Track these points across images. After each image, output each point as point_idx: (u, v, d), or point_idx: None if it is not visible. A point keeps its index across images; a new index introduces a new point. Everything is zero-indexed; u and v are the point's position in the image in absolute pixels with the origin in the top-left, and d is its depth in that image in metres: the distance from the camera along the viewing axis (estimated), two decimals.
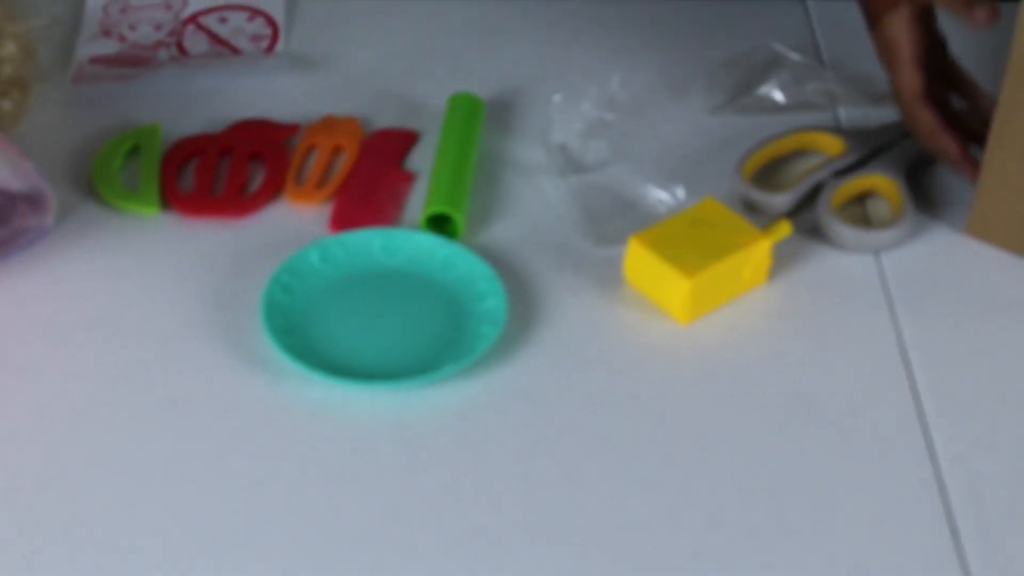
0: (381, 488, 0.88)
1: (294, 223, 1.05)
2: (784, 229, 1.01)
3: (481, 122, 1.12)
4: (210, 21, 1.22)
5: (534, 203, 1.07)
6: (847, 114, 1.15)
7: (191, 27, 1.21)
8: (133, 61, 1.17)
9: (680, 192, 1.06)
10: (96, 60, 1.17)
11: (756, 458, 0.91)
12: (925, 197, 1.08)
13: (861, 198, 1.08)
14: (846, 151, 1.08)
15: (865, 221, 1.06)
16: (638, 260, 0.99)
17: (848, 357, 0.97)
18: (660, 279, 0.98)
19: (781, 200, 1.05)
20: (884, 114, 1.14)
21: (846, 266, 1.03)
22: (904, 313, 1.00)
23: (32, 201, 1.03)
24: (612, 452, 0.91)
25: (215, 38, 1.21)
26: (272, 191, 1.07)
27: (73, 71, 1.16)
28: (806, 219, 1.06)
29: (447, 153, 1.08)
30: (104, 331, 0.97)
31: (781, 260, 1.02)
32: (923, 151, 1.08)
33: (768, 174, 1.09)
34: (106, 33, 1.20)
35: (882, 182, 1.07)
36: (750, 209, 1.06)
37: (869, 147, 1.09)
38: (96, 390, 0.93)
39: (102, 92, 1.15)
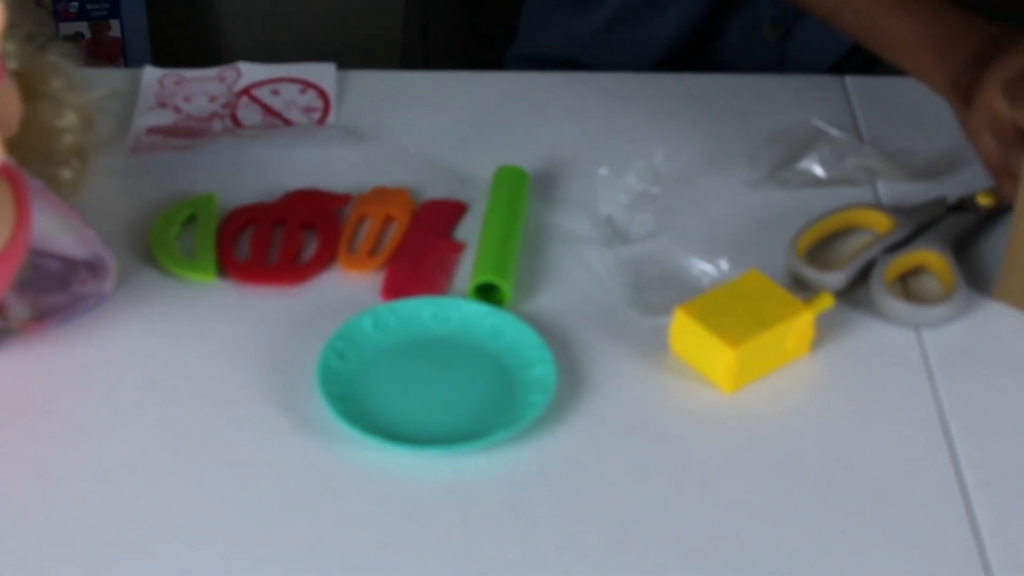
0: (433, 551, 0.90)
1: (346, 291, 1.08)
2: (825, 301, 1.04)
3: (527, 194, 1.15)
4: (263, 93, 1.26)
5: (580, 273, 1.10)
6: (886, 189, 1.18)
7: (244, 99, 1.25)
8: (189, 132, 1.21)
9: (724, 264, 1.09)
10: (153, 131, 1.21)
11: (800, 526, 0.92)
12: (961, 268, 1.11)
13: (909, 274, 1.10)
14: (894, 228, 1.11)
15: (915, 296, 1.08)
16: (684, 330, 1.02)
17: (889, 427, 0.99)
18: (705, 349, 1.01)
19: (835, 278, 1.08)
20: (924, 189, 1.16)
21: (886, 336, 1.05)
22: (944, 383, 1.02)
23: (93, 268, 1.06)
24: (658, 520, 0.93)
25: (268, 110, 1.24)
26: (325, 260, 1.10)
27: (131, 141, 1.20)
28: (853, 293, 1.08)
29: (494, 224, 1.11)
30: (163, 395, 1.00)
31: (823, 330, 1.04)
32: (968, 226, 1.11)
33: (818, 252, 1.12)
34: (162, 105, 1.24)
35: (932, 258, 1.09)
36: (802, 287, 1.08)
37: (916, 223, 1.12)
38: (156, 453, 0.96)
39: (159, 162, 1.18)
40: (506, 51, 1.50)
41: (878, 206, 1.14)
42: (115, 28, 2.23)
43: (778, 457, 0.97)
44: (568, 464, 0.96)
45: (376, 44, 1.90)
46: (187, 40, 2.27)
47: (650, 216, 1.12)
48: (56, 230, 1.02)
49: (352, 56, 1.43)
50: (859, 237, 1.13)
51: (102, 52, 2.23)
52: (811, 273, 1.08)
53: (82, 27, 2.22)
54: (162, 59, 2.20)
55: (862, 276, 1.09)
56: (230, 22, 2.25)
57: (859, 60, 1.38)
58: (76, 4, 2.18)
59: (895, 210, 1.13)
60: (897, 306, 1.06)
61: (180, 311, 1.06)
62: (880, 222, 1.12)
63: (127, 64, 2.22)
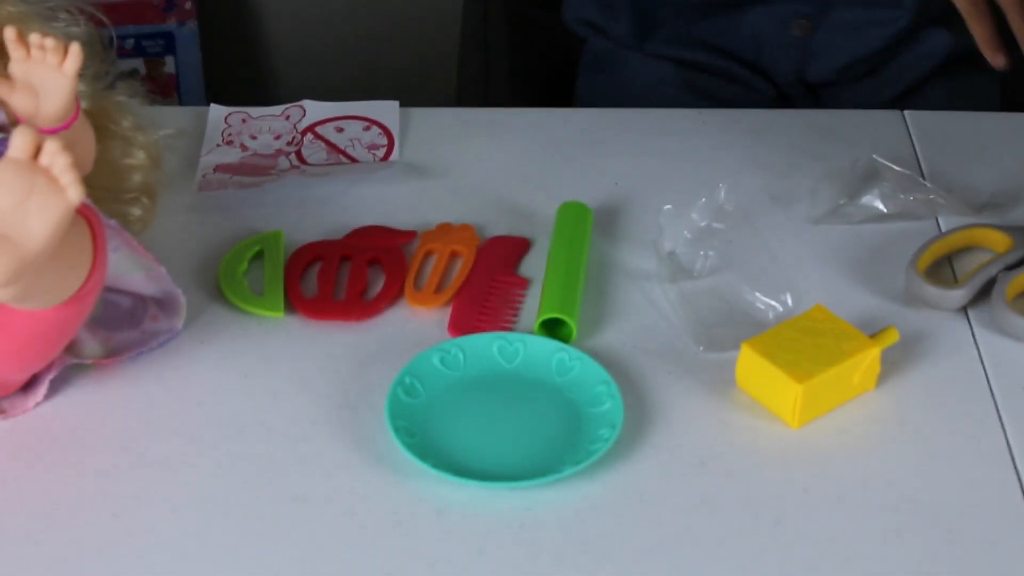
0: None
1: (414, 326, 1.09)
2: (891, 336, 1.04)
3: (590, 230, 1.16)
4: (327, 131, 1.27)
5: (644, 309, 1.11)
6: (948, 223, 1.18)
7: (309, 136, 1.26)
8: (255, 169, 1.22)
9: (788, 299, 1.09)
10: (220, 168, 1.22)
11: (868, 564, 0.93)
12: None
13: None
14: (1013, 247, 1.12)
15: None
16: (750, 365, 1.02)
17: (957, 464, 0.99)
18: (772, 384, 1.01)
19: (957, 295, 1.09)
20: (984, 222, 1.17)
21: (952, 371, 1.05)
22: (1012, 418, 1.02)
23: (163, 305, 1.07)
24: (726, 555, 0.93)
25: (333, 147, 1.25)
26: (392, 295, 1.11)
27: (199, 179, 1.21)
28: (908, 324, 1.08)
29: (559, 260, 1.12)
30: (233, 430, 1.01)
31: (887, 366, 1.05)
32: None
33: (935, 271, 1.13)
34: (228, 142, 1.25)
35: None
36: (921, 304, 1.09)
37: None
38: (226, 489, 0.97)
39: (226, 199, 1.20)
40: (561, 89, 1.52)
41: (998, 226, 1.14)
42: (170, 64, 2.25)
43: (845, 493, 0.97)
44: (636, 498, 0.96)
45: (431, 83, 1.91)
46: (240, 77, 2.29)
47: (714, 252, 1.13)
48: (129, 268, 1.04)
49: (407, 94, 1.44)
50: (978, 256, 1.14)
51: (156, 88, 2.25)
52: (933, 290, 1.09)
53: (138, 63, 2.24)
54: (215, 95, 2.23)
55: (982, 294, 1.10)
56: (282, 60, 2.28)
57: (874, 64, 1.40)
58: (132, 40, 2.21)
59: (1014, 229, 1.14)
60: (1019, 322, 1.07)
61: (249, 347, 1.07)
62: (1000, 241, 1.14)
63: (181, 100, 2.24)
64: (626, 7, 1.43)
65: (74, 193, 0.87)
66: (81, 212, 0.93)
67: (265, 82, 2.31)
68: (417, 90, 1.74)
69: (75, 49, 0.98)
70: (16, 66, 0.98)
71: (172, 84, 2.27)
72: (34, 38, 0.97)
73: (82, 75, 1.13)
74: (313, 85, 2.22)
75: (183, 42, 2.23)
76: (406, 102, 1.31)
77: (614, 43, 1.45)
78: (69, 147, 0.99)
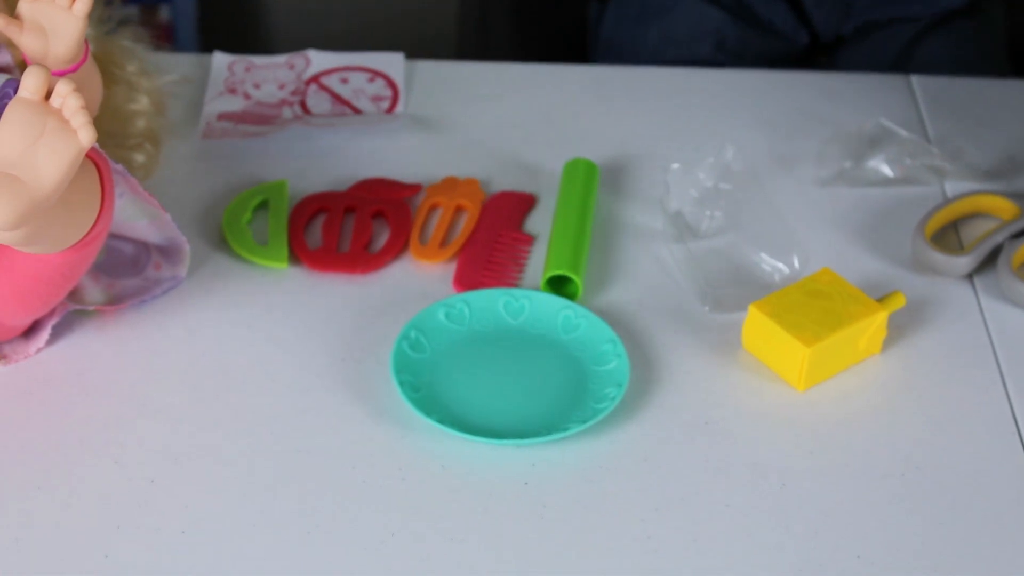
0: (506, 542, 0.91)
1: (418, 280, 1.08)
2: (898, 300, 1.04)
3: (597, 187, 1.15)
4: (332, 81, 1.26)
5: (650, 268, 1.10)
6: (953, 189, 1.18)
7: (314, 87, 1.25)
8: (258, 118, 1.21)
9: (796, 261, 1.09)
10: (223, 116, 1.21)
11: (872, 526, 0.92)
12: None
13: None
14: (1020, 214, 1.12)
15: None
16: (757, 327, 1.02)
17: (961, 429, 0.99)
18: (779, 346, 1.01)
19: (963, 262, 1.09)
20: (991, 189, 1.16)
21: (956, 337, 1.05)
22: (1016, 385, 1.02)
23: (167, 252, 1.06)
24: (729, 515, 0.93)
25: (337, 98, 1.24)
26: (397, 249, 1.10)
27: (202, 126, 1.20)
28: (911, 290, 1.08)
29: (566, 217, 1.11)
30: (236, 380, 1.00)
31: (892, 330, 1.04)
32: None
33: (940, 238, 1.13)
34: (231, 91, 1.24)
35: None
36: (926, 270, 1.09)
37: None
38: (228, 438, 0.96)
39: (230, 148, 1.19)
40: (565, 38, 1.51)
41: (1004, 193, 1.14)
42: (165, 12, 2.23)
43: (849, 457, 0.97)
44: (640, 458, 0.96)
45: (430, 30, 1.90)
46: (236, 27, 2.27)
47: (720, 212, 1.12)
48: (134, 214, 1.03)
49: (406, 43, 1.43)
50: (984, 223, 1.14)
51: (151, 36, 2.23)
52: (939, 257, 1.09)
53: (132, 11, 2.22)
54: (211, 46, 2.21)
55: (988, 261, 1.10)
56: (279, 10, 2.26)
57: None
58: None
59: (1020, 197, 1.14)
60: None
61: (253, 297, 1.06)
62: (1007, 209, 1.13)
63: (176, 49, 2.23)
64: None
65: (85, 135, 0.86)
66: (89, 156, 0.92)
67: (261, 33, 2.29)
68: (416, 37, 1.73)
69: None
70: (25, 6, 0.96)
71: (167, 32, 2.25)
72: None
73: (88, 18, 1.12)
74: (310, 35, 2.21)
75: None
76: (405, 50, 1.30)
77: None
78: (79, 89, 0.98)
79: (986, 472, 0.96)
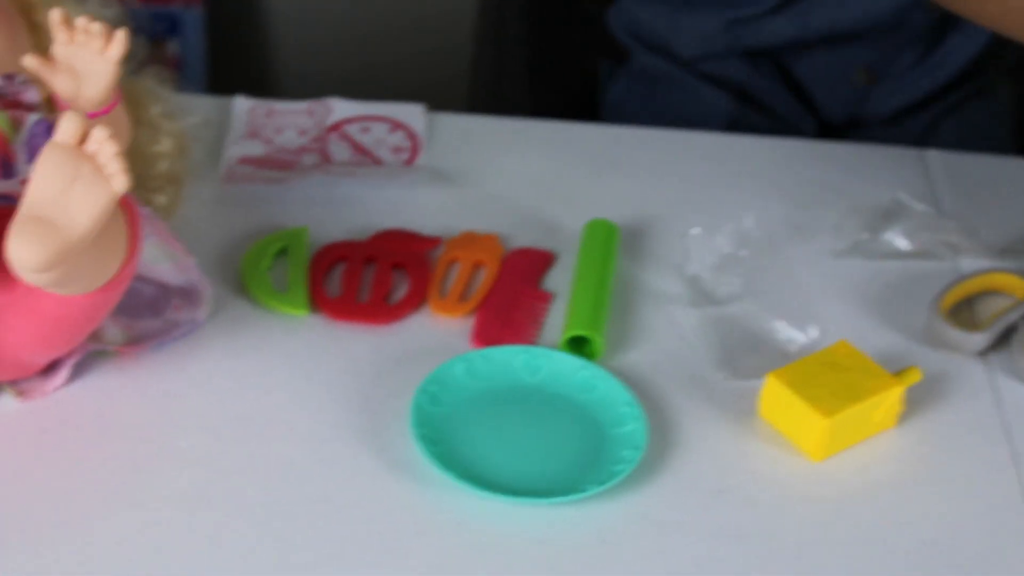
0: None
1: (437, 334, 1.09)
2: (915, 375, 1.04)
3: (617, 249, 1.15)
4: (353, 130, 1.26)
5: (668, 332, 1.11)
6: (967, 265, 1.19)
7: (334, 135, 1.26)
8: (279, 164, 1.21)
9: (813, 331, 1.09)
10: (245, 161, 1.21)
11: None
12: None
13: None
14: None
15: None
16: (775, 396, 1.03)
17: (973, 505, 0.99)
18: (796, 416, 1.01)
19: (978, 339, 1.10)
20: (1005, 267, 1.17)
21: (967, 412, 1.06)
22: None
23: (187, 295, 1.07)
24: None
25: (357, 147, 1.25)
26: (416, 301, 1.10)
27: (223, 170, 1.20)
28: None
29: (587, 276, 1.11)
30: (254, 428, 1.00)
31: (908, 404, 1.05)
32: None
33: (956, 313, 1.13)
34: (253, 135, 1.25)
35: None
36: (940, 345, 1.10)
37: None
38: (244, 487, 0.96)
39: (251, 192, 1.19)
40: (581, 91, 1.52)
41: (1018, 271, 1.15)
42: (173, 47, 2.23)
43: (863, 529, 0.97)
44: (656, 522, 0.96)
45: (442, 85, 1.91)
46: (245, 67, 2.28)
47: (738, 279, 1.13)
48: (157, 257, 1.03)
49: (418, 91, 1.43)
50: (998, 301, 1.15)
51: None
52: (954, 333, 1.10)
53: (140, 43, 2.22)
54: (218, 83, 2.22)
55: (1001, 339, 1.11)
56: (289, 53, 2.26)
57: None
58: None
59: None
60: None
61: (272, 344, 1.07)
62: (1020, 287, 1.14)
63: (182, 86, 2.23)
64: (692, 28, 1.43)
65: (119, 182, 0.86)
66: (121, 201, 0.93)
67: (270, 74, 2.30)
68: (427, 87, 1.73)
69: (120, 35, 0.97)
70: (60, 48, 0.97)
71: (174, 68, 2.25)
72: (80, 21, 0.96)
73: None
74: (319, 75, 2.22)
75: (188, 26, 2.21)
76: (415, 99, 1.30)
77: (666, 60, 1.44)
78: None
79: (997, 550, 0.96)
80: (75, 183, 0.86)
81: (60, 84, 0.98)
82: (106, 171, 0.86)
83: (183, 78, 2.23)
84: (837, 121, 1.46)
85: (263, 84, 2.28)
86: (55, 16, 0.97)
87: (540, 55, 1.60)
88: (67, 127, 0.86)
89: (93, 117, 0.98)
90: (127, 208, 0.93)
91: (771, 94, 1.43)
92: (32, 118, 0.99)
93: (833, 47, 1.41)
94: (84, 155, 0.86)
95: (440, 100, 1.39)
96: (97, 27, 0.97)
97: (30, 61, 0.96)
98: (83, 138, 0.87)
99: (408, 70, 2.11)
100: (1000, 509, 0.99)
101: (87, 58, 0.97)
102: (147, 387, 1.02)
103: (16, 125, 0.99)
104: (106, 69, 0.97)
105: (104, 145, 0.86)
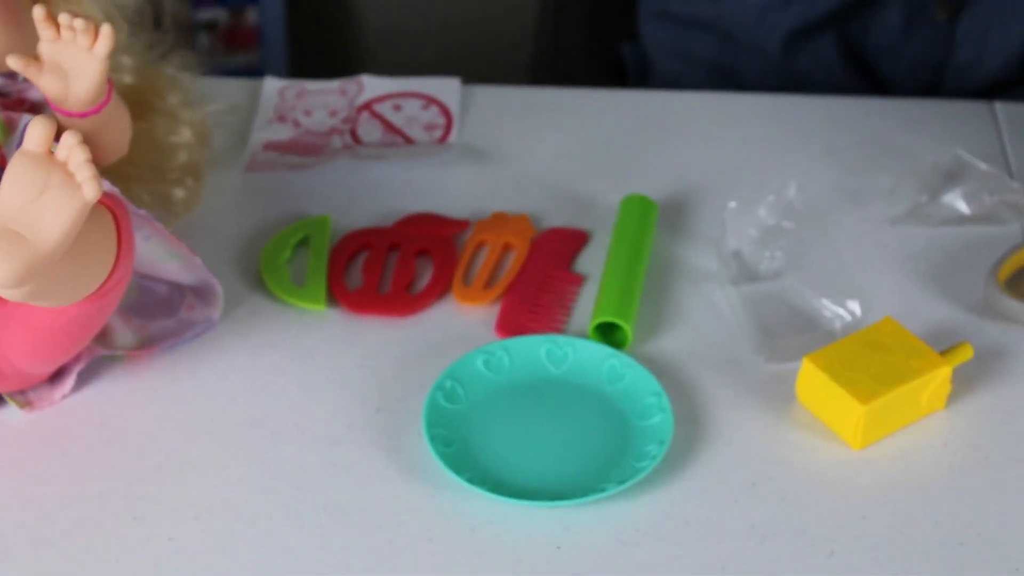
0: None
1: (460, 324, 1.04)
2: (965, 353, 0.98)
3: (654, 227, 1.10)
4: (384, 109, 1.22)
5: (705, 313, 1.05)
6: None
7: (365, 114, 1.21)
8: (306, 148, 1.17)
9: (856, 308, 1.03)
10: (270, 146, 1.17)
11: None
12: None
13: None
14: None
15: None
16: (811, 381, 0.96)
17: None
18: (834, 402, 0.95)
19: None
20: None
21: None
22: None
23: (201, 294, 1.03)
24: None
25: (389, 126, 1.20)
26: (439, 290, 1.06)
27: (247, 158, 1.17)
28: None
29: (619, 259, 1.06)
30: (264, 432, 0.97)
31: (959, 384, 0.98)
32: None
33: (1018, 281, 1.06)
34: (281, 118, 1.21)
35: None
36: (1000, 317, 1.03)
37: None
38: (253, 494, 0.93)
39: (274, 180, 1.15)
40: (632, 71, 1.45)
41: None
42: (253, 15, 2.21)
43: (906, 523, 0.91)
44: (682, 521, 0.91)
45: (507, 57, 1.85)
46: (324, 31, 2.24)
47: (781, 252, 1.06)
48: (162, 256, 1.00)
49: (482, 67, 1.38)
50: None
51: (238, 40, 2.22)
52: (1013, 304, 1.02)
53: (220, 13, 2.20)
54: (298, 50, 2.19)
55: None
56: (368, 18, 2.22)
57: None
58: None
59: None
60: None
61: (287, 341, 1.03)
62: None
63: (262, 54, 2.20)
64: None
65: (90, 191, 0.82)
66: (104, 202, 0.89)
67: (349, 39, 2.26)
68: (493, 61, 1.68)
69: (106, 30, 0.93)
70: (45, 47, 0.93)
71: (254, 37, 2.22)
72: (63, 18, 0.92)
73: (130, 45, 1.09)
74: (398, 48, 2.18)
75: None
76: (484, 77, 1.25)
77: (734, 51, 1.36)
78: (96, 135, 0.95)
79: None
80: (44, 193, 0.82)
81: (47, 84, 0.94)
82: (76, 179, 0.83)
83: (264, 48, 2.21)
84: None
85: (343, 51, 2.24)
86: (37, 13, 0.93)
87: (599, 29, 1.53)
88: (33, 134, 0.83)
89: (85, 116, 0.95)
90: (114, 210, 0.90)
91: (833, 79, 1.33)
92: (25, 119, 0.96)
93: None
94: (53, 163, 0.83)
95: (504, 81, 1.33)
96: (81, 23, 0.93)
97: (14, 61, 0.93)
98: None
99: (477, 43, 2.06)
100: None
101: (73, 56, 0.93)
102: (157, 391, 0.99)
103: (10, 127, 0.96)
104: (94, 66, 0.93)
105: (74, 152, 0.83)
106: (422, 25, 2.16)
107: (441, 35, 2.16)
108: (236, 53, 2.22)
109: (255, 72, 2.15)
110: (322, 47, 2.24)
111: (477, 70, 1.32)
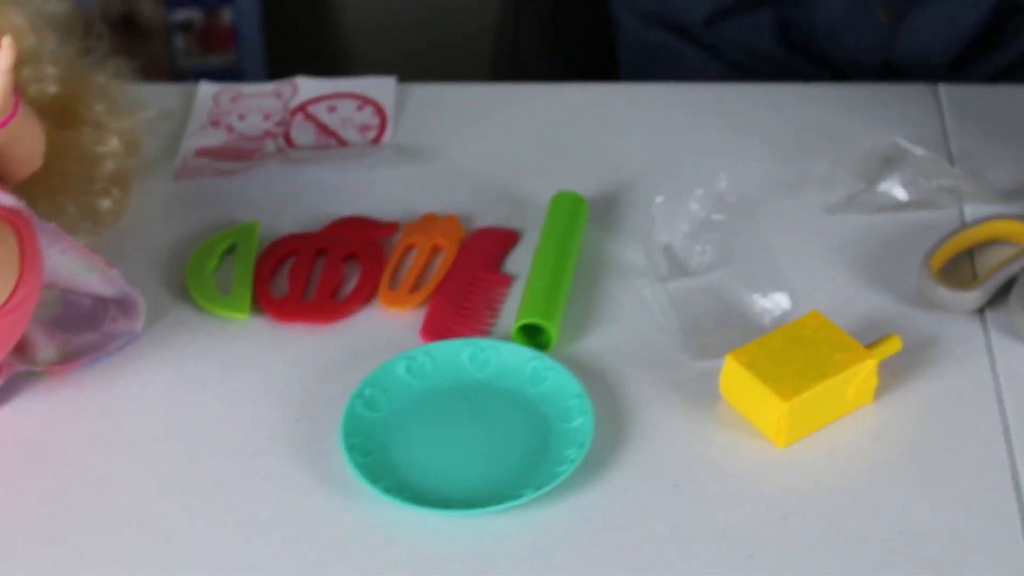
0: None
1: (385, 329, 1.03)
2: (892, 346, 0.96)
3: (584, 224, 1.08)
4: (319, 110, 1.20)
5: (634, 310, 1.03)
6: (972, 212, 1.09)
7: (299, 116, 1.20)
8: (238, 153, 1.16)
9: (785, 301, 1.01)
10: (202, 152, 1.16)
11: None
12: None
13: None
14: None
15: None
16: (734, 378, 0.95)
17: (957, 491, 0.90)
18: (757, 400, 0.94)
19: (972, 297, 1.00)
20: (1009, 212, 1.07)
21: (958, 384, 0.97)
22: (1021, 439, 0.93)
23: (123, 306, 1.02)
24: None
25: (322, 128, 1.19)
26: (365, 295, 1.04)
27: (177, 165, 1.15)
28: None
29: (546, 258, 1.04)
30: (182, 446, 0.95)
31: (886, 377, 0.96)
32: None
33: (952, 269, 1.04)
34: (215, 123, 1.19)
35: None
36: (934, 306, 1.01)
37: None
38: (167, 510, 0.92)
39: (204, 187, 1.14)
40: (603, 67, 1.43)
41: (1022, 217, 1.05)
42: (228, 15, 2.19)
43: (828, 522, 0.89)
44: (602, 526, 0.90)
45: (470, 54, 1.83)
46: (300, 29, 2.23)
47: (712, 246, 1.05)
48: (80, 270, 0.99)
49: (463, 64, 1.36)
50: (1001, 251, 1.04)
51: (214, 40, 2.20)
52: (945, 292, 1.00)
53: (195, 14, 2.19)
54: (276, 49, 2.17)
55: (1002, 294, 1.00)
56: (345, 13, 2.21)
57: (978, 56, 1.28)
58: None
59: None
60: None
61: (210, 352, 1.02)
62: None
63: (238, 54, 2.19)
64: None
65: None
66: (6, 218, 0.88)
67: (325, 37, 2.24)
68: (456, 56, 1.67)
69: (6, 43, 0.92)
70: None
71: (230, 36, 2.21)
72: None
73: (59, 54, 1.08)
74: (372, 43, 2.16)
75: None
76: (448, 75, 1.23)
77: (671, 32, 1.33)
78: (2, 149, 0.94)
79: (979, 541, 0.88)
80: None
81: None
82: None
83: (238, 47, 2.20)
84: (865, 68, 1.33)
85: (318, 51, 2.23)
86: None
87: (560, 31, 1.51)
88: None
89: None
90: (18, 226, 0.89)
91: (778, 50, 1.30)
92: None
93: None
94: None
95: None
96: None
97: None
98: None
99: (441, 39, 2.04)
100: (987, 495, 0.90)
101: None
102: (76, 406, 0.98)
103: None
104: None
105: None
106: (400, 22, 2.15)
107: (419, 33, 2.14)
108: (212, 53, 2.21)
109: (233, 73, 2.15)
110: (299, 45, 2.22)
111: (457, 67, 1.30)
